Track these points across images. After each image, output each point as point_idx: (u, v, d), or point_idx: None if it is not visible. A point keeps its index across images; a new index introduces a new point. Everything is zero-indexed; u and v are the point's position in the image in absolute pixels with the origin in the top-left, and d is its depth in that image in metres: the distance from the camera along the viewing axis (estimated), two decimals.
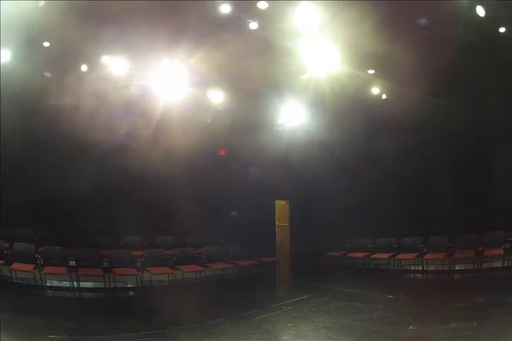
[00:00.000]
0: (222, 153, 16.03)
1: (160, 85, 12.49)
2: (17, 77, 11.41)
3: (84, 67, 12.29)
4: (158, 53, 11.58)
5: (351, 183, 14.15)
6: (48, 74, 12.19)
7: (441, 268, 12.44)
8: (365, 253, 14.00)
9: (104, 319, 9.61)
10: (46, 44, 11.61)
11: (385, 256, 13.49)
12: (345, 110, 13.49)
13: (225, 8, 10.78)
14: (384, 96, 13.82)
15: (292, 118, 14.30)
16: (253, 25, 11.22)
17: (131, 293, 12.32)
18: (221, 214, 14.79)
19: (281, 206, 13.67)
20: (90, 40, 10.88)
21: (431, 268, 12.81)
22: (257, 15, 11.01)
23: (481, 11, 10.06)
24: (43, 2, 9.81)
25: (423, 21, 10.57)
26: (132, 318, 9.66)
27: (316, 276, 12.96)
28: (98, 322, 9.24)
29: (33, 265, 11.33)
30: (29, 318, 8.81)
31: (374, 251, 14.01)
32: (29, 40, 11.01)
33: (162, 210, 14.44)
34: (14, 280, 11.08)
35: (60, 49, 11.45)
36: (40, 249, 12.23)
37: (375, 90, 13.73)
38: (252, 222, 14.13)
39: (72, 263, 12.04)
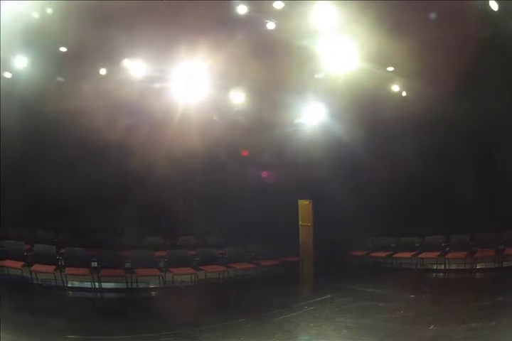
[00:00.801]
0: (245, 153, 16.25)
1: (179, 86, 12.61)
2: (33, 82, 11.84)
3: (102, 71, 12.63)
4: (177, 54, 11.76)
5: (372, 182, 14.17)
6: (64, 79, 12.57)
7: (463, 267, 12.49)
8: (388, 253, 14.06)
9: (125, 319, 9.86)
10: (63, 49, 12.01)
11: (408, 255, 13.55)
12: (365, 109, 13.48)
13: (242, 9, 11.02)
14: (404, 94, 13.87)
15: (312, 117, 14.31)
16: (270, 25, 11.42)
17: (153, 293, 12.51)
18: (243, 214, 14.62)
19: (304, 205, 13.81)
20: (108, 42, 11.21)
21: (453, 266, 12.82)
22: (274, 15, 11.15)
23: (496, 6, 10.13)
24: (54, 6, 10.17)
25: (442, 18, 10.57)
26: (154, 318, 9.81)
27: (338, 276, 13.01)
28: (118, 323, 9.50)
29: (54, 266, 11.57)
30: (49, 318, 9.04)
31: (396, 251, 14.07)
32: (45, 45, 11.42)
33: (184, 211, 14.44)
34: (34, 282, 11.31)
35: (77, 53, 11.78)
36: (62, 251, 12.48)
37: (395, 88, 13.64)
38: (274, 222, 14.25)
39: (94, 264, 12.22)
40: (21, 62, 11.74)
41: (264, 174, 15.42)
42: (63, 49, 11.85)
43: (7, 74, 11.73)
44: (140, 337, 8.64)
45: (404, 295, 10.75)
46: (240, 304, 11.08)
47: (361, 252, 14.69)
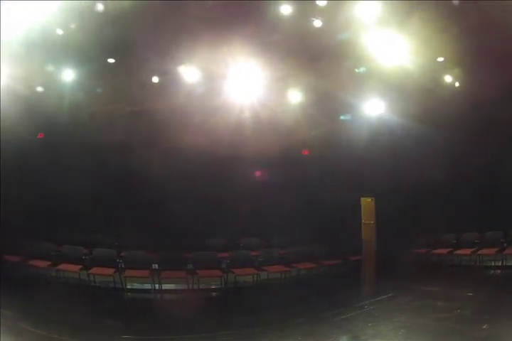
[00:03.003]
0: (305, 152, 16.63)
1: (235, 88, 13.25)
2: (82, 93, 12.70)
3: (155, 78, 13.39)
4: (231, 57, 12.35)
5: (430, 179, 14.18)
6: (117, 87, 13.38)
7: None
8: (449, 250, 14.13)
9: (184, 319, 10.19)
10: (111, 60, 12.83)
11: (467, 251, 13.62)
12: (421, 103, 13.61)
13: (286, 9, 11.48)
14: (457, 84, 13.93)
15: (369, 113, 14.58)
16: (317, 22, 11.81)
17: (214, 294, 12.96)
18: (306, 213, 15.11)
19: (366, 203, 14.04)
20: (160, 50, 11.90)
21: (510, 263, 12.94)
22: (319, 12, 11.55)
23: None
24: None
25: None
26: (213, 318, 10.30)
27: (400, 274, 13.04)
28: (177, 322, 9.90)
29: (113, 269, 12.23)
30: (105, 319, 9.72)
31: (457, 247, 14.12)
32: (94, 57, 12.24)
33: (246, 211, 14.96)
34: (92, 284, 12.07)
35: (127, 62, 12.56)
36: (121, 254, 13.17)
37: (448, 79, 13.85)
38: (337, 220, 14.63)
39: (155, 266, 12.82)
40: (68, 74, 12.70)
41: (326, 172, 15.56)
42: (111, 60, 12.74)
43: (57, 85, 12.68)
44: (197, 336, 9.05)
45: (462, 293, 10.82)
46: (301, 304, 11.24)
47: (423, 250, 14.77)
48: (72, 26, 11.28)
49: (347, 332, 9.07)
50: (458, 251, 13.99)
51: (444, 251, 14.27)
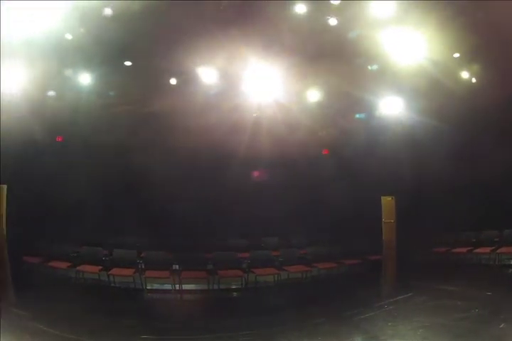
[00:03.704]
0: (325, 152, 16.72)
1: (252, 88, 13.39)
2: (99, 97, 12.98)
3: (173, 80, 13.64)
4: (247, 57, 12.50)
5: (449, 177, 14.27)
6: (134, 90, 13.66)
7: None
8: (468, 248, 14.17)
9: (204, 319, 10.51)
10: (128, 63, 13.09)
11: (487, 250, 13.63)
12: (439, 100, 13.61)
13: (301, 8, 11.61)
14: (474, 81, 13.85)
15: (387, 111, 14.55)
16: (332, 21, 11.91)
17: (234, 294, 13.14)
18: (325, 212, 15.29)
19: (387, 202, 14.11)
20: (175, 51, 12.14)
21: None
22: (333, 10, 11.64)
23: None
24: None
25: None
26: (232, 318, 10.53)
27: (420, 274, 13.11)
28: (197, 322, 10.19)
29: (133, 269, 12.46)
30: (124, 319, 9.95)
31: (477, 246, 14.16)
32: (110, 60, 12.50)
33: (266, 211, 15.28)
34: (112, 285, 12.30)
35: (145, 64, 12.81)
36: (142, 255, 13.41)
37: (465, 75, 13.78)
38: (357, 219, 14.71)
39: (175, 266, 13.03)
40: (84, 77, 13.01)
41: (345, 171, 15.66)
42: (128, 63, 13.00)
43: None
44: (216, 336, 9.24)
45: (480, 292, 10.84)
46: (320, 304, 11.44)
47: (442, 248, 14.82)
48: (87, 28, 11.45)
49: (366, 332, 9.19)
50: (477, 250, 14.03)
51: (464, 249, 14.31)
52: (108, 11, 11.03)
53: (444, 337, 8.40)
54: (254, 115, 14.35)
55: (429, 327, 8.94)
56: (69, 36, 11.64)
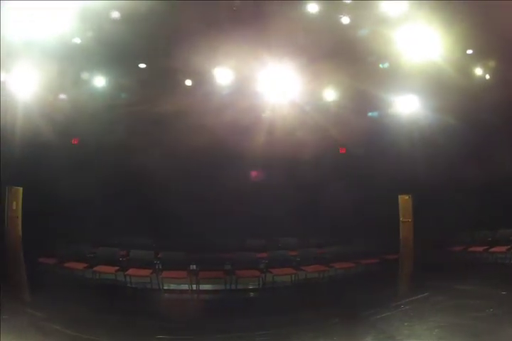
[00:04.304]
0: (342, 150, 16.80)
1: (267, 88, 13.57)
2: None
3: (187, 81, 13.83)
4: (262, 57, 12.66)
5: (464, 175, 14.26)
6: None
7: None
8: (484, 247, 14.14)
9: (220, 319, 10.69)
10: (142, 65, 13.33)
11: (503, 249, 13.65)
12: (455, 98, 13.61)
13: (313, 7, 11.73)
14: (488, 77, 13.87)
15: (403, 109, 14.61)
16: (345, 19, 12.00)
17: (251, 294, 13.25)
18: (343, 212, 15.28)
19: (404, 201, 14.14)
20: (191, 51, 12.31)
21: None
22: (346, 9, 11.78)
23: None
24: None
25: None
26: (249, 318, 10.67)
27: (436, 273, 13.10)
28: (213, 323, 10.32)
29: (150, 270, 12.62)
30: (140, 319, 10.14)
31: (493, 245, 14.13)
32: (125, 63, 12.70)
33: (284, 211, 15.37)
34: (128, 285, 12.48)
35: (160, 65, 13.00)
36: (159, 255, 13.54)
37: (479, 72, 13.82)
38: (374, 218, 14.76)
39: (193, 267, 13.11)
40: (99, 80, 13.24)
41: (362, 170, 15.82)
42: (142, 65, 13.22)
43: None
44: (233, 336, 9.42)
45: (496, 292, 10.88)
46: (337, 303, 11.55)
47: (459, 247, 14.81)
48: (100, 30, 11.67)
49: (382, 332, 9.29)
50: (493, 249, 14.04)
51: (480, 248, 14.31)
52: (121, 13, 11.13)
53: (460, 336, 8.49)
54: (264, 115, 14.54)
55: (445, 327, 9.02)
56: (82, 38, 11.90)
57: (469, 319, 9.27)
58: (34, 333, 8.63)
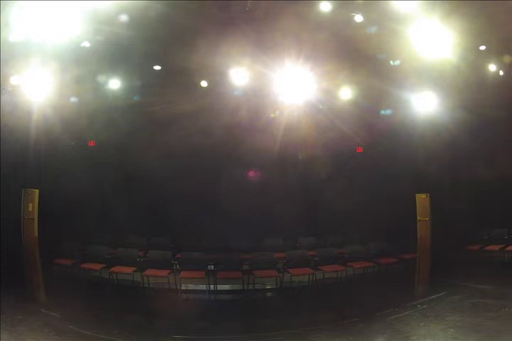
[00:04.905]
0: (359, 150, 16.95)
1: (285, 88, 13.58)
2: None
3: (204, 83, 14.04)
4: (281, 57, 12.79)
5: (481, 173, 14.12)
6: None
7: None
8: (501, 246, 14.10)
9: (237, 319, 10.97)
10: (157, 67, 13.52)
11: None
12: (475, 95, 13.59)
13: (326, 6, 11.81)
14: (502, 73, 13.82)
15: (420, 107, 14.11)
16: (358, 17, 12.04)
17: (269, 294, 13.30)
18: (362, 211, 15.29)
19: (421, 200, 14.15)
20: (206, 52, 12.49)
21: None
22: (359, 7, 11.83)
23: None
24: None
25: None
26: (266, 318, 10.90)
27: (454, 272, 13.20)
28: (231, 322, 10.65)
29: (168, 271, 12.71)
30: (157, 319, 10.41)
31: (510, 243, 14.06)
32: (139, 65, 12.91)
33: (302, 211, 15.41)
34: (146, 286, 12.59)
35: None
36: (177, 256, 13.71)
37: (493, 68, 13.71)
38: (393, 217, 14.71)
39: (211, 267, 13.25)
40: (115, 83, 13.52)
41: (380, 168, 15.75)
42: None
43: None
44: (250, 336, 9.64)
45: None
46: (355, 303, 11.65)
47: (475, 246, 14.70)
48: (114, 33, 11.73)
49: (398, 332, 9.45)
50: (510, 248, 13.97)
51: (496, 247, 14.26)
52: (135, 15, 11.31)
53: (475, 336, 8.61)
54: (279, 115, 14.59)
55: (460, 327, 9.21)
56: (98, 42, 12.04)
57: (485, 319, 9.40)
58: (50, 333, 8.95)
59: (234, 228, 14.97)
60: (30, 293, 11.29)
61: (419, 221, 13.60)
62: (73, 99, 13.32)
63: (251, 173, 15.63)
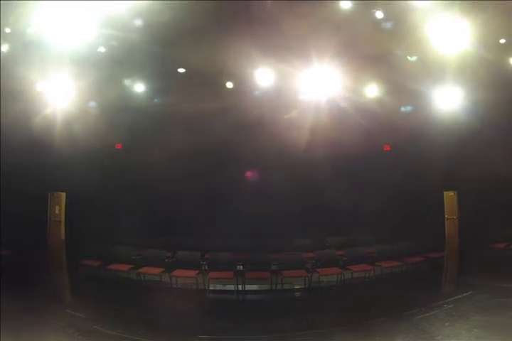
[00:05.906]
0: (387, 148, 17.04)
1: (309, 88, 13.79)
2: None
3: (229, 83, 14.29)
4: (304, 57, 12.93)
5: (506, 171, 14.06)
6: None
7: None
8: None
9: (264, 319, 11.05)
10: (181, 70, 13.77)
11: None
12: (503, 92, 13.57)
13: (346, 4, 11.91)
14: None
15: (444, 103, 14.40)
16: (379, 14, 12.12)
17: (297, 294, 13.42)
18: (390, 210, 15.40)
19: (449, 197, 14.16)
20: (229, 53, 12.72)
21: None
22: (378, 3, 11.89)
23: None
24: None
25: None
26: (293, 318, 11.06)
27: (481, 271, 13.06)
28: (258, 322, 10.77)
29: (197, 271, 13.00)
30: (183, 319, 10.55)
31: None
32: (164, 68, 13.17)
33: (331, 210, 15.75)
34: (174, 286, 12.89)
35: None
36: (206, 256, 13.94)
37: None
38: (421, 216, 14.92)
39: (239, 267, 13.43)
40: (140, 86, 13.84)
41: (404, 167, 15.77)
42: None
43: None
44: (276, 336, 9.78)
45: None
46: (381, 303, 11.75)
47: (502, 244, 14.68)
48: (137, 35, 12.03)
49: (423, 332, 9.53)
50: None
51: None
52: (156, 18, 11.58)
53: (499, 336, 8.75)
54: (306, 114, 14.63)
55: (485, 327, 9.30)
56: (121, 46, 12.36)
57: (510, 318, 9.55)
58: (74, 334, 9.26)
59: (262, 229, 15.24)
60: (56, 294, 11.67)
61: (447, 219, 13.56)
62: (96, 103, 13.52)
63: (281, 173, 15.65)
